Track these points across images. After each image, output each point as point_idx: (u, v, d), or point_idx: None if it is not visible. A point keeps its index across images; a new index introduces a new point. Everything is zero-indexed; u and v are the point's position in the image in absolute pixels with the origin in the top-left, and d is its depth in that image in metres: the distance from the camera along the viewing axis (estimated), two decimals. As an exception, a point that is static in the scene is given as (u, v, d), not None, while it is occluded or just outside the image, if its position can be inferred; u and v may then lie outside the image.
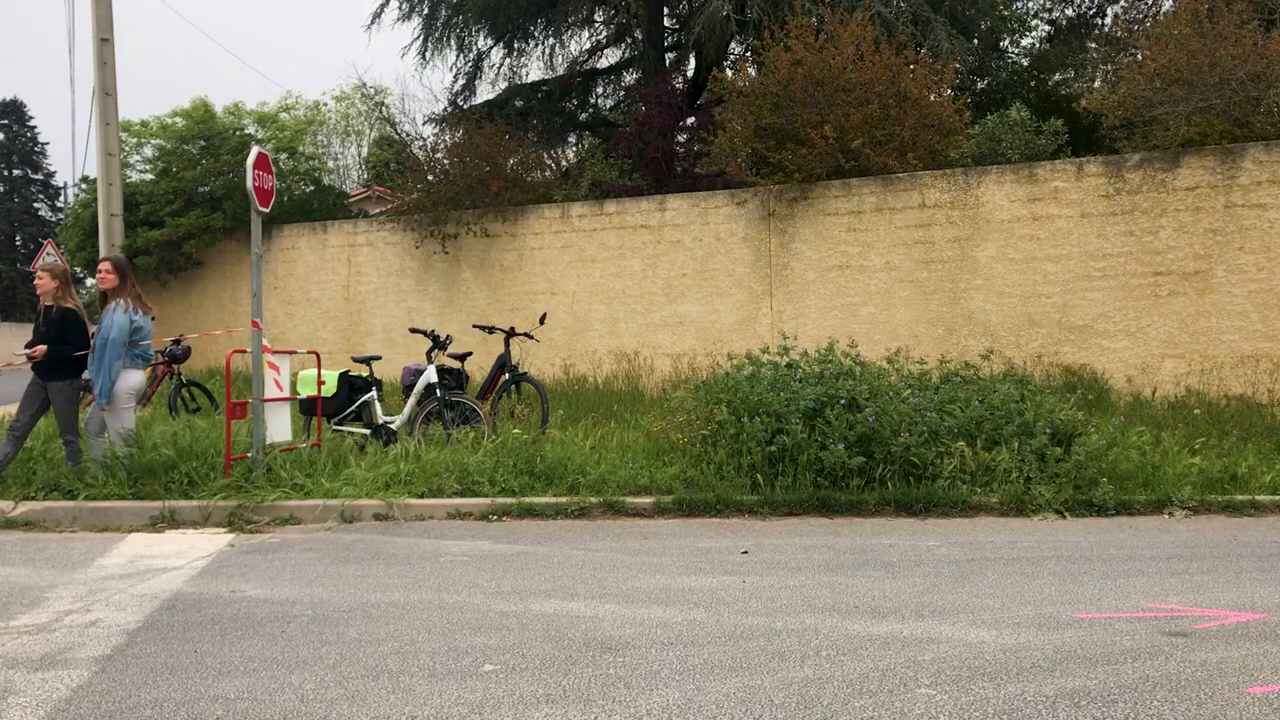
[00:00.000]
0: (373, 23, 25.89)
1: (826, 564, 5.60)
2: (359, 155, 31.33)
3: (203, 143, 17.77)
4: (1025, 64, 20.00)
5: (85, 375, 7.83)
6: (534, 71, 26.82)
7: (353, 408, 9.42)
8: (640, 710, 3.40)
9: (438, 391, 9.00)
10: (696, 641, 4.15)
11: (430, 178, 15.82)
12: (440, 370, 9.22)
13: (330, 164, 28.66)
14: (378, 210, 20.95)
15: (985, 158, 12.22)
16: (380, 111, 25.60)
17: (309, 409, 9.22)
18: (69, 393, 7.72)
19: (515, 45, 21.21)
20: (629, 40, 21.31)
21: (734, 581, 5.19)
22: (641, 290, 13.70)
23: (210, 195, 17.52)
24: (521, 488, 7.45)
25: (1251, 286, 10.15)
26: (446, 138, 17.15)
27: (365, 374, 9.59)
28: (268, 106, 19.28)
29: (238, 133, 18.03)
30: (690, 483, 7.48)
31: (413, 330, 9.89)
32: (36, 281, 7.89)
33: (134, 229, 16.87)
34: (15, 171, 54.07)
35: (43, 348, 7.55)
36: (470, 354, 10.49)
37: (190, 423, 9.28)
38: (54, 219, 50.89)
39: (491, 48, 21.16)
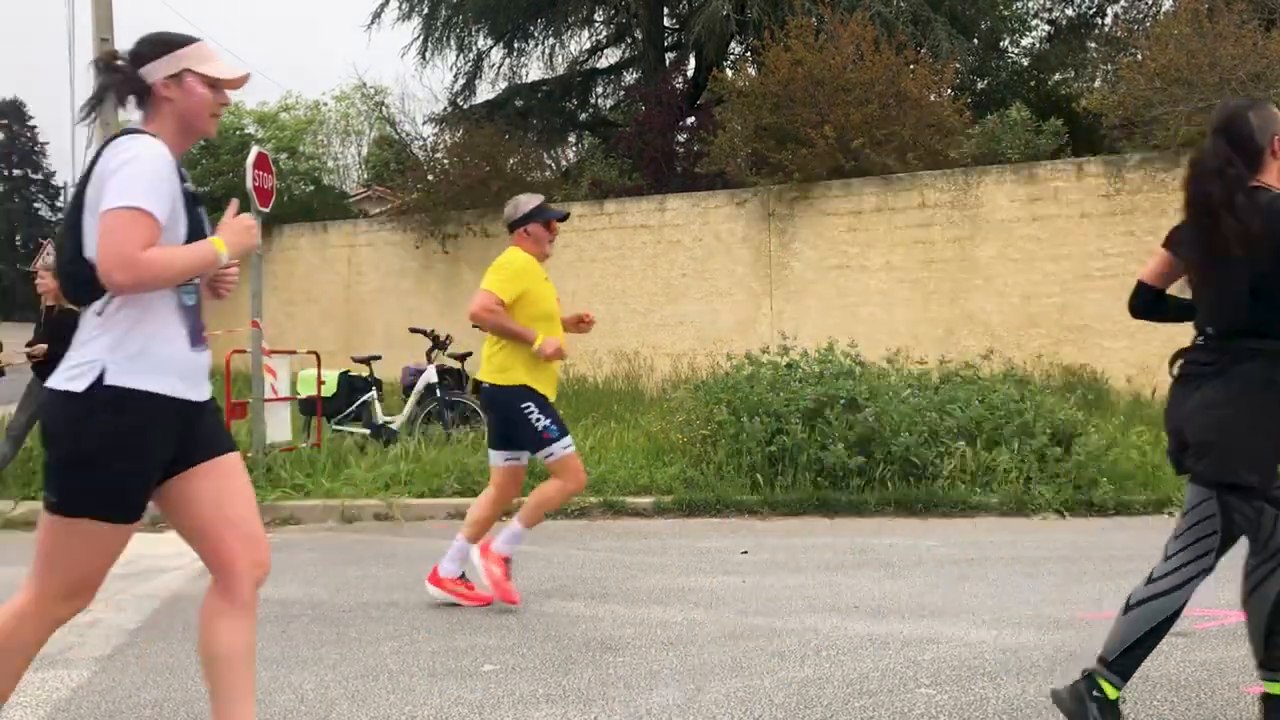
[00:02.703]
0: (373, 23, 25.72)
1: (826, 564, 5.60)
2: (359, 155, 31.27)
3: (202, 142, 17.78)
4: (1025, 64, 20.01)
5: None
6: (534, 71, 26.77)
7: (353, 408, 9.42)
8: (640, 710, 3.40)
9: (438, 391, 9.00)
10: (696, 641, 4.15)
11: (430, 178, 15.83)
12: (440, 370, 9.22)
13: (330, 164, 28.59)
14: (378, 210, 20.93)
15: (985, 158, 12.22)
16: (380, 111, 25.56)
17: (309, 409, 9.22)
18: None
19: (515, 45, 21.21)
20: (629, 40, 21.31)
21: (734, 581, 5.19)
22: (641, 290, 13.70)
23: (210, 195, 17.51)
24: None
25: (1251, 286, 10.13)
26: (446, 138, 17.18)
27: (365, 374, 9.59)
28: (267, 106, 19.30)
29: (237, 132, 18.04)
30: (690, 483, 7.48)
31: (413, 330, 9.88)
32: (38, 281, 7.89)
33: (134, 229, 16.85)
34: (15, 171, 54.12)
35: (43, 347, 7.55)
36: (470, 354, 10.47)
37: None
38: (54, 219, 50.89)
39: (491, 47, 21.15)
